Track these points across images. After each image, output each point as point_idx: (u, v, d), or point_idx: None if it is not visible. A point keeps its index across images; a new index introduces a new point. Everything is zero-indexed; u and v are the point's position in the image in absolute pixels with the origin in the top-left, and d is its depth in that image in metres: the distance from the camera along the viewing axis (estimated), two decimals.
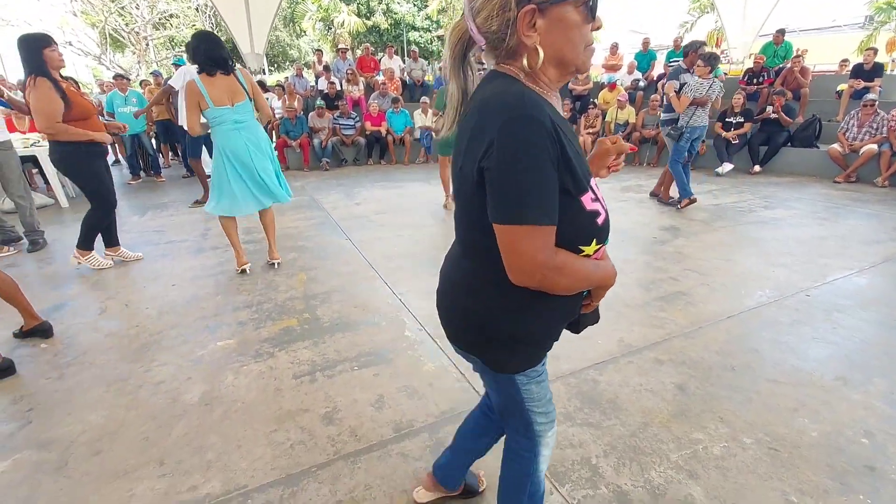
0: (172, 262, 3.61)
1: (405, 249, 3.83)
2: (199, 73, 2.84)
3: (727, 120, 7.08)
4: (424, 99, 9.22)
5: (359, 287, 3.07)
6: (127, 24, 21.60)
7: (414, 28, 25.53)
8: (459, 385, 1.98)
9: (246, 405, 1.88)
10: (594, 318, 0.99)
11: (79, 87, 3.45)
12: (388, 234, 4.28)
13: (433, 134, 9.10)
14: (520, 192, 0.70)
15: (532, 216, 0.70)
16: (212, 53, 2.81)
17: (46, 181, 5.72)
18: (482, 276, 0.86)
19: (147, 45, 22.66)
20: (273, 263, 3.47)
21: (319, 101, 8.57)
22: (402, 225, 4.57)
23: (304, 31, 26.36)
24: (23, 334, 2.43)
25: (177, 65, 6.58)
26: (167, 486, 1.49)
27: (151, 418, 1.81)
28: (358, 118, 8.79)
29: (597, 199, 0.81)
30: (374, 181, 7.05)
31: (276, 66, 27.53)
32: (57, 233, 4.47)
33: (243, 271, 3.32)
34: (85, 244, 3.39)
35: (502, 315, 0.86)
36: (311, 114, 8.47)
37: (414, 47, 12.51)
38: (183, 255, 3.79)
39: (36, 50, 2.88)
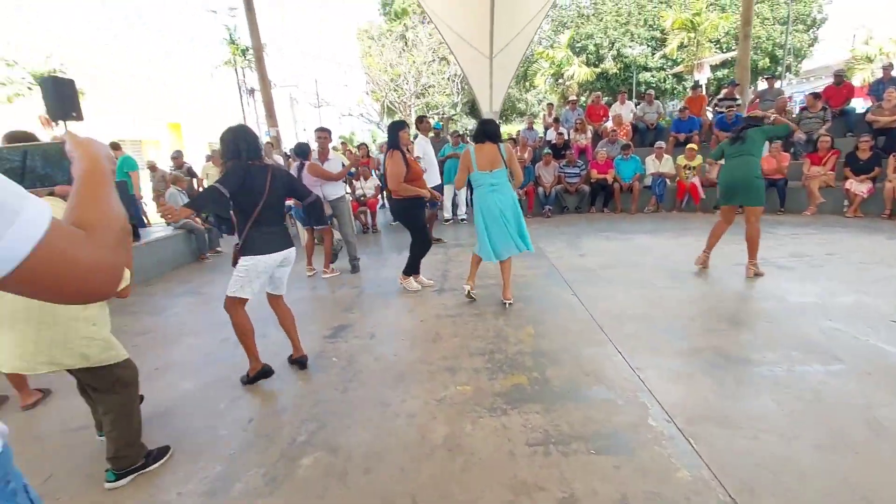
0: (420, 299, 4.18)
1: (639, 312, 3.47)
2: (475, 142, 3.69)
3: None
4: (660, 144, 8.54)
5: (588, 351, 2.91)
6: (399, 97, 27.39)
7: (646, 69, 24.40)
8: None
9: (483, 461, 1.94)
10: None
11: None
12: (617, 291, 3.99)
13: (667, 181, 8.30)
14: None
15: None
16: (485, 128, 3.67)
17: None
18: None
19: (410, 111, 28.15)
20: (504, 303, 3.80)
21: (546, 150, 8.90)
22: (632, 282, 4.20)
23: (534, 86, 28.28)
24: (295, 361, 2.95)
25: (435, 128, 7.93)
26: None
27: (405, 449, 2.05)
28: (584, 166, 8.75)
29: None
30: (598, 231, 6.79)
31: (503, 118, 30.31)
32: (344, 264, 5.79)
33: (469, 295, 3.91)
34: (407, 271, 4.40)
35: None
36: (537, 163, 8.86)
37: (650, 90, 11.77)
38: (428, 293, 4.35)
39: (395, 132, 4.10)
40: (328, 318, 3.87)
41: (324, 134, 5.11)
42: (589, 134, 9.58)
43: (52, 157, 0.86)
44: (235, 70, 21.64)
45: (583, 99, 19.99)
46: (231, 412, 2.49)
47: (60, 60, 16.76)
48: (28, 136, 3.18)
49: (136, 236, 5.83)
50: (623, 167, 8.46)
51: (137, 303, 4.69)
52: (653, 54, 24.48)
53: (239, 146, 2.55)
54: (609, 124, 9.56)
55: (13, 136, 3.06)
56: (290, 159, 11.06)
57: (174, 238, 6.34)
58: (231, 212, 2.59)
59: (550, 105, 11.55)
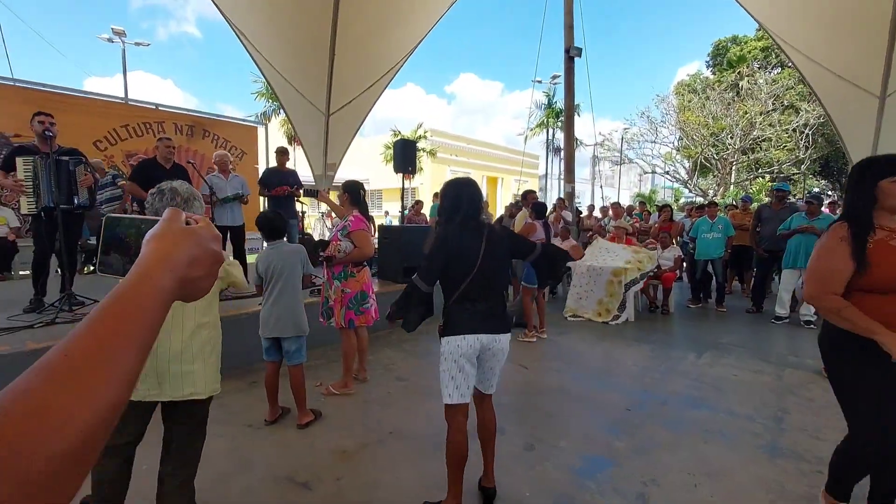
0: (732, 452, 2.65)
1: None
2: None
3: None
4: None
5: None
6: (718, 152, 23.61)
7: None
8: None
9: None
10: None
11: None
12: None
13: None
14: None
15: None
16: None
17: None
18: None
19: (730, 169, 23.79)
20: None
21: None
22: None
23: None
24: (481, 489, 2.27)
25: (780, 190, 5.91)
26: None
27: None
28: None
29: None
30: None
31: None
32: (620, 349, 4.66)
33: None
34: (829, 484, 1.99)
35: None
36: None
37: None
38: (745, 442, 2.75)
39: (872, 179, 1.78)
40: (582, 432, 2.89)
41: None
42: None
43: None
44: (547, 130, 23.56)
45: None
46: None
47: (425, 129, 22.32)
48: (356, 184, 3.71)
49: None
50: None
51: (412, 340, 4.95)
52: None
53: (457, 204, 2.07)
54: None
55: (346, 185, 3.60)
56: (586, 217, 10.68)
57: None
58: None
59: None
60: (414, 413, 3.13)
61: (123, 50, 14.30)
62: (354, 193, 3.36)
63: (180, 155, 7.82)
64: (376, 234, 7.24)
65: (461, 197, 2.09)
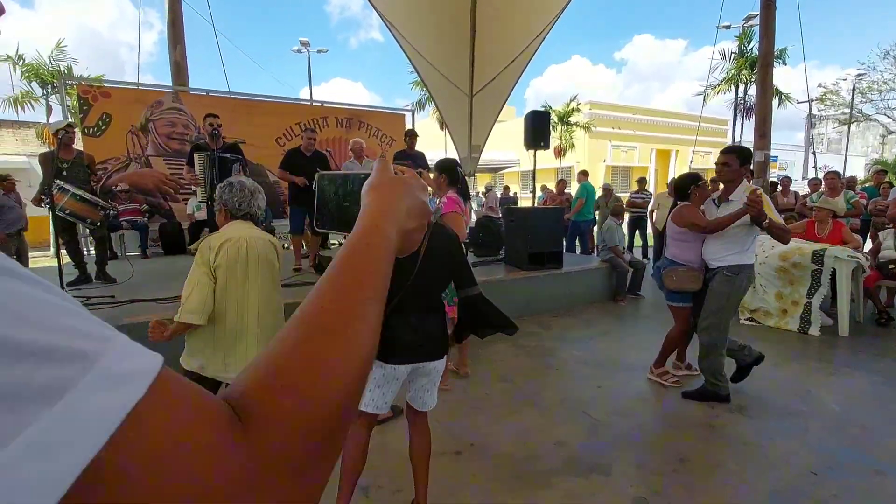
0: None
1: None
2: None
3: None
4: None
5: None
6: None
7: None
8: None
9: None
10: None
11: None
12: None
13: None
14: None
15: None
16: None
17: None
18: None
19: None
20: None
21: None
22: None
23: None
24: None
25: None
26: None
27: None
28: None
29: None
30: None
31: None
32: (818, 376, 3.38)
33: None
34: None
35: None
36: None
37: None
38: None
39: None
40: (733, 494, 2.07)
41: (726, 158, 2.93)
42: None
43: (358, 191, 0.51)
44: (736, 87, 19.15)
45: None
46: None
47: (578, 101, 20.64)
48: (451, 162, 3.37)
49: (560, 263, 5.71)
50: None
51: (532, 334, 4.48)
52: None
53: None
54: None
55: (439, 164, 3.30)
56: (780, 193, 8.36)
57: (595, 272, 5.88)
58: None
59: None
60: (505, 424, 2.73)
61: (308, 58, 16.67)
62: (451, 172, 3.04)
63: (336, 145, 8.88)
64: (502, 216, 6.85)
65: None
